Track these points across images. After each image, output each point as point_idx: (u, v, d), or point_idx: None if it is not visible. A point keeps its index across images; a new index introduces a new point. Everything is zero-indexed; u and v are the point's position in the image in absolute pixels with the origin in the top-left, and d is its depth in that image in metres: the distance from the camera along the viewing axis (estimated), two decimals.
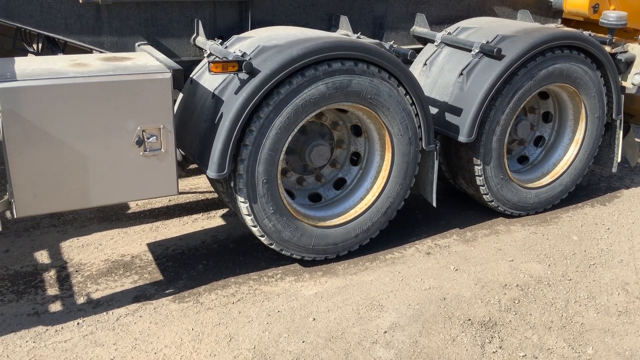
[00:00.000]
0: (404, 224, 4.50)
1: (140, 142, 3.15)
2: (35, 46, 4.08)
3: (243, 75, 3.38)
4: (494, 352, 3.18)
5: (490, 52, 4.11)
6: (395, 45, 3.91)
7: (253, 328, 3.30)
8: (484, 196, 4.48)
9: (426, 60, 4.54)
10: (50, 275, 3.77)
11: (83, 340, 3.18)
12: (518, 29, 4.36)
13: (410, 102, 3.83)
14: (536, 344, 3.25)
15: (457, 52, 4.40)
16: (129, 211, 4.67)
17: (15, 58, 3.34)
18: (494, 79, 4.09)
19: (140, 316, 3.38)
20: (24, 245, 4.12)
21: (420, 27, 4.73)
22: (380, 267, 3.94)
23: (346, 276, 3.83)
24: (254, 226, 3.64)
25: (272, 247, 3.76)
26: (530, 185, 4.66)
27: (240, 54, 3.40)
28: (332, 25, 4.47)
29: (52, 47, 3.79)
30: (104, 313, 3.41)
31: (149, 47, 3.74)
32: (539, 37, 4.19)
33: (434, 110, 4.34)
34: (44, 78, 2.92)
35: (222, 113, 3.37)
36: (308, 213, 3.88)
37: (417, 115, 3.89)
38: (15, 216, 3.04)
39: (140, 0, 3.76)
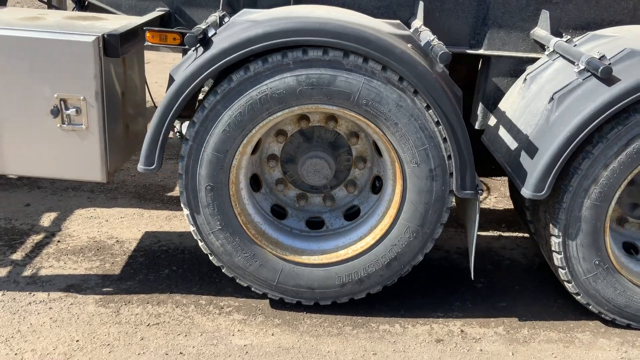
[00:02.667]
0: (449, 288, 3.32)
1: (56, 112, 2.71)
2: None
3: (199, 52, 2.70)
4: None
5: (595, 70, 2.69)
6: (435, 42, 2.77)
7: None
8: (565, 284, 3.04)
9: (528, 74, 3.24)
10: (33, 239, 3.62)
11: None
12: None
13: (436, 120, 2.69)
14: None
15: (568, 68, 3.02)
16: (168, 193, 4.33)
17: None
18: (591, 114, 2.67)
19: (50, 308, 2.99)
20: (45, 204, 4.06)
21: (541, 29, 3.40)
22: (359, 338, 2.90)
23: (303, 336, 2.90)
24: (200, 240, 2.95)
25: (223, 270, 3.02)
26: None
27: (203, 27, 2.72)
28: (412, 14, 3.47)
29: (76, 3, 3.57)
30: (27, 292, 3.10)
31: (155, 13, 3.27)
32: None
33: (512, 145, 3.05)
34: None
35: (164, 96, 2.74)
36: (280, 239, 3.02)
37: (446, 140, 2.72)
38: None
39: None
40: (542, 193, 2.78)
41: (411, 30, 3.11)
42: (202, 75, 2.61)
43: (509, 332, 3.03)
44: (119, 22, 2.98)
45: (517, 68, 3.49)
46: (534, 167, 2.79)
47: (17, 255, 3.43)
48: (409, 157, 2.75)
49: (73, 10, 3.55)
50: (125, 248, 3.58)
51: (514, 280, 3.48)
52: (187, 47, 2.62)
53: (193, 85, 2.62)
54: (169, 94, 2.65)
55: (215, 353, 2.74)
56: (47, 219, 3.86)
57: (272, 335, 2.90)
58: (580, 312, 3.17)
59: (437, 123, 2.70)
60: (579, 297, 3.05)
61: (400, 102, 2.65)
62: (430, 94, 2.63)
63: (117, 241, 3.65)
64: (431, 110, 2.68)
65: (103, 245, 3.59)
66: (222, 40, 2.64)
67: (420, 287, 3.34)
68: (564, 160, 2.72)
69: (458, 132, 2.70)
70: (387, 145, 2.78)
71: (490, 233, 4.00)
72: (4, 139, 2.77)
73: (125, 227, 3.83)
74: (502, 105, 3.40)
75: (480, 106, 3.55)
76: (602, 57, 2.77)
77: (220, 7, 3.23)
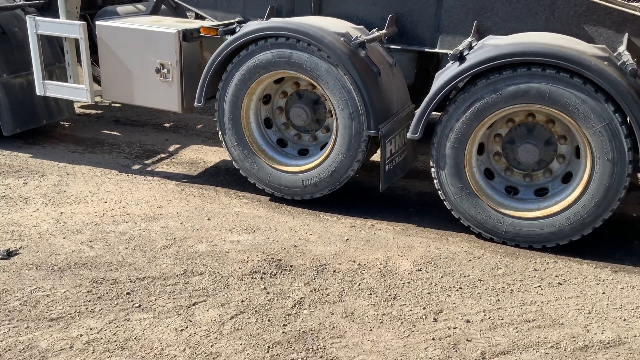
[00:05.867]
0: (389, 209, 4.92)
1: (157, 71, 5.02)
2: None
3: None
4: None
5: (452, 56, 4.19)
6: (361, 38, 4.46)
7: (174, 207, 4.81)
8: (444, 202, 4.49)
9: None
10: (160, 156, 6.03)
11: (116, 181, 5.32)
12: (518, 41, 4.12)
13: (351, 82, 4.42)
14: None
15: None
16: None
17: (149, 16, 5.64)
18: (443, 84, 4.18)
19: (150, 183, 5.31)
20: (176, 140, 6.50)
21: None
22: (306, 219, 4.71)
23: (274, 213, 4.80)
24: (227, 151, 5.03)
25: (240, 172, 5.05)
26: (508, 212, 4.31)
27: (233, 26, 4.83)
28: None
29: (195, 15, 5.93)
30: (141, 175, 5.46)
31: (233, 20, 5.44)
32: (505, 49, 3.99)
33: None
34: (112, 22, 5.14)
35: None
36: (273, 156, 4.95)
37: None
38: (102, 98, 5.40)
39: None
40: (417, 135, 4.33)
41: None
42: (225, 52, 4.69)
43: (402, 230, 4.58)
44: (202, 24, 5.21)
45: None
46: (414, 119, 4.35)
47: (148, 161, 5.86)
48: (336, 104, 4.52)
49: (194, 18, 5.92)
50: (206, 165, 5.81)
51: (440, 211, 4.90)
52: (219, 36, 4.73)
53: (221, 57, 4.72)
54: (209, 62, 4.78)
55: (220, 212, 4.78)
56: (172, 147, 6.28)
57: (257, 210, 4.85)
58: (468, 230, 4.53)
59: (351, 84, 4.43)
60: (453, 212, 4.47)
61: (329, 70, 4.45)
62: (344, 66, 4.38)
63: (204, 161, 5.90)
64: (347, 76, 4.42)
65: (194, 162, 5.87)
66: (236, 34, 4.70)
67: (373, 206, 4.98)
68: (428, 113, 4.25)
69: (363, 91, 4.40)
70: (325, 96, 4.57)
71: None
72: (133, 85, 5.16)
73: (214, 156, 6.06)
74: None
75: None
76: (466, 48, 4.24)
77: (265, 17, 5.28)
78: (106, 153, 6.00)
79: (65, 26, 5.25)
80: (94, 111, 7.32)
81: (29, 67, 5.80)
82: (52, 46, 5.91)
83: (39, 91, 5.58)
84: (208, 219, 4.64)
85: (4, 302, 3.50)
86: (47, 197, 4.94)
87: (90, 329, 3.29)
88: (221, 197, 5.08)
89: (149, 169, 5.66)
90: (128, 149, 6.16)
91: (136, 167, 5.69)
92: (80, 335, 3.23)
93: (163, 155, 6.03)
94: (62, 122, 6.74)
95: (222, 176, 5.54)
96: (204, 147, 6.30)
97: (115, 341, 3.20)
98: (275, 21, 4.63)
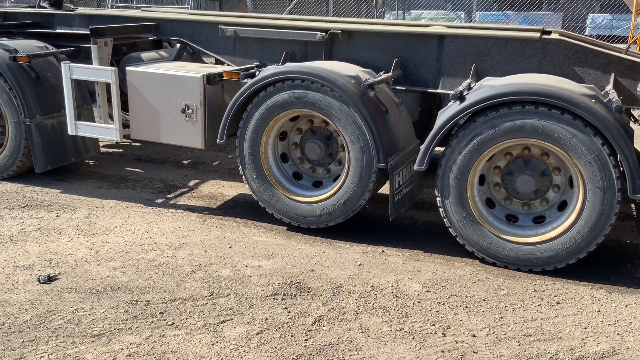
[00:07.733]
0: (398, 236, 5.28)
1: (183, 111, 5.46)
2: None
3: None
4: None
5: (453, 96, 4.61)
6: (370, 80, 4.91)
7: (197, 237, 5.17)
8: (449, 229, 4.84)
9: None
10: (181, 190, 6.43)
11: (142, 214, 5.70)
12: (513, 82, 4.54)
13: (361, 118, 4.83)
14: None
15: None
16: None
17: (171, 63, 6.11)
18: (445, 120, 4.59)
19: (174, 214, 5.69)
20: (195, 176, 6.90)
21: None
22: (321, 246, 5.06)
23: (291, 241, 5.16)
24: (246, 184, 5.42)
25: (258, 203, 5.43)
26: (509, 237, 4.65)
27: (253, 70, 5.28)
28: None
29: (215, 60, 6.41)
30: (164, 208, 5.84)
31: (251, 65, 5.89)
32: (501, 89, 4.40)
33: None
34: (142, 68, 5.60)
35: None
36: (288, 186, 5.33)
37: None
38: (131, 137, 5.83)
39: (256, 37, 5.95)
40: (422, 167, 4.72)
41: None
42: (245, 94, 5.12)
43: (411, 255, 4.92)
44: (223, 68, 5.67)
45: None
46: (420, 153, 4.74)
47: (170, 195, 6.25)
48: (348, 138, 4.92)
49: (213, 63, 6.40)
50: (225, 198, 6.19)
51: (446, 238, 5.25)
52: (240, 79, 5.18)
53: (242, 98, 5.14)
54: (231, 102, 5.21)
55: (241, 240, 5.14)
56: (192, 182, 6.67)
57: (275, 238, 5.21)
58: (472, 255, 4.87)
59: (362, 120, 4.84)
60: (457, 238, 4.82)
61: (341, 108, 4.87)
62: (355, 104, 4.80)
63: (222, 195, 6.29)
64: (358, 114, 4.84)
65: (214, 196, 6.25)
66: (258, 75, 5.15)
67: (383, 234, 5.34)
68: (433, 147, 4.65)
69: (372, 127, 4.80)
70: (339, 132, 4.98)
71: None
72: (160, 124, 5.59)
73: (231, 190, 6.45)
74: None
75: None
76: (466, 89, 4.66)
77: (281, 62, 5.73)
78: (130, 188, 6.40)
79: (98, 71, 5.71)
80: (116, 150, 7.76)
81: (59, 109, 6.27)
82: (82, 90, 6.37)
83: (71, 131, 6.02)
84: (230, 247, 5.00)
85: (50, 320, 3.84)
86: (79, 228, 5.31)
87: (130, 344, 3.62)
88: (241, 227, 5.44)
89: (172, 202, 6.04)
90: (150, 184, 6.56)
91: (159, 200, 6.07)
92: (122, 349, 3.56)
93: (184, 190, 6.42)
94: (87, 160, 7.16)
95: (240, 208, 5.92)
96: (221, 182, 6.70)
97: (153, 354, 3.53)
98: (291, 65, 5.08)
